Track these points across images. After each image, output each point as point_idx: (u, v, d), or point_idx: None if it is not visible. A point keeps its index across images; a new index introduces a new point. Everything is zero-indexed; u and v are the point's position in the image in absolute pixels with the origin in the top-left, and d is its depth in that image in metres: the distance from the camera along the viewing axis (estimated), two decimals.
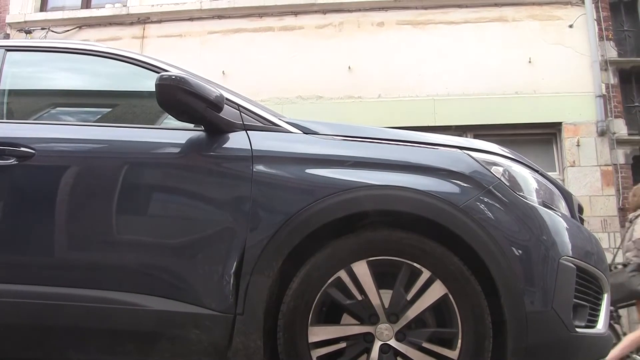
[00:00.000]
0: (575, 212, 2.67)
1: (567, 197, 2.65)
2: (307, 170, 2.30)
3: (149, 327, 2.20)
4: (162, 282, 2.23)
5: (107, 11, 9.79)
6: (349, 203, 2.22)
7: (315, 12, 9.44)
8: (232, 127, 2.39)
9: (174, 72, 2.39)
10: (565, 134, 8.64)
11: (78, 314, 2.21)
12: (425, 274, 2.19)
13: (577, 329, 2.27)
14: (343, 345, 2.19)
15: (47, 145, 2.43)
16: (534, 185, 2.42)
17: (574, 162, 8.48)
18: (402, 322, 2.18)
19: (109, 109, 2.96)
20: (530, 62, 8.87)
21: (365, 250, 2.22)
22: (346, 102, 8.91)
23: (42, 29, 9.75)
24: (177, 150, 2.39)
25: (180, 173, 2.35)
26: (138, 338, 2.23)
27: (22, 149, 2.35)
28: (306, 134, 2.44)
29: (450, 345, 2.17)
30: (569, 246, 2.33)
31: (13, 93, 2.78)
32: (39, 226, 2.31)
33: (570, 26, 8.99)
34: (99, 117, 2.92)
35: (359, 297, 2.19)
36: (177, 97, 2.24)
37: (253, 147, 2.32)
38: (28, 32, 9.70)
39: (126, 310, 2.19)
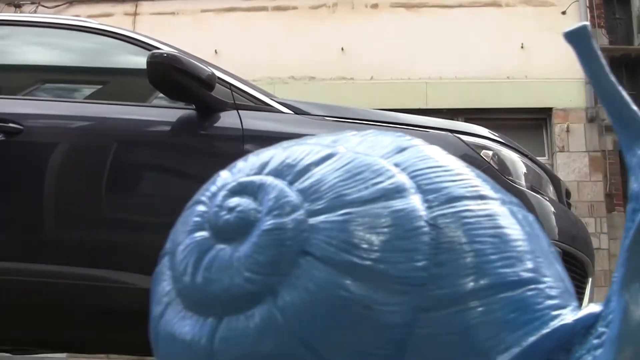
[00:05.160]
0: (563, 196, 2.69)
1: (556, 181, 2.67)
2: None
3: (138, 305, 2.20)
4: (152, 260, 2.23)
5: None
6: None
7: None
8: (224, 106, 2.38)
9: (165, 50, 2.38)
10: (555, 119, 8.67)
11: (65, 292, 2.20)
12: None
13: None
14: None
15: (36, 121, 2.42)
16: (522, 169, 2.43)
17: (563, 147, 8.52)
18: None
19: (100, 86, 2.94)
20: (522, 47, 8.88)
21: None
22: (338, 84, 8.90)
23: (32, 3, 9.64)
24: (167, 128, 2.39)
25: (170, 151, 2.35)
26: (127, 316, 2.23)
27: (10, 124, 2.33)
28: (297, 114, 2.43)
29: None
30: (556, 230, 2.35)
31: (1, 68, 2.76)
32: (26, 203, 2.31)
33: (563, 13, 8.98)
34: (89, 93, 2.91)
35: None
36: (169, 75, 2.21)
37: (244, 127, 2.31)
38: (17, 6, 9.59)
39: (115, 288, 2.18)
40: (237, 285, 1.00)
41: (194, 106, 2.37)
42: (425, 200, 1.01)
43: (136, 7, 9.55)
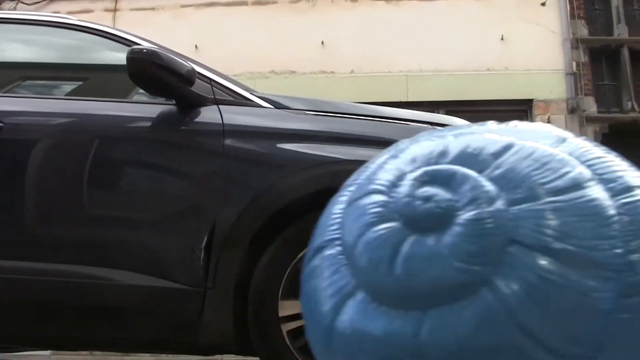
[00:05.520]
0: None
1: None
2: (278, 145, 2.31)
3: (119, 301, 2.20)
4: (133, 256, 2.23)
5: None
6: (319, 178, 2.24)
7: None
8: (204, 102, 2.38)
9: (145, 45, 2.38)
10: (536, 110, 8.73)
11: (45, 289, 2.19)
12: None
13: None
14: None
15: (16, 118, 2.41)
16: None
17: None
18: None
19: (80, 82, 2.93)
20: (502, 39, 8.91)
21: None
22: (319, 77, 8.90)
23: (12, 0, 9.55)
24: (148, 124, 2.38)
25: (151, 147, 2.35)
26: (108, 313, 2.23)
27: None
28: (278, 108, 2.44)
29: None
30: None
31: None
32: (7, 200, 2.30)
33: (543, 4, 9.03)
34: (69, 90, 2.90)
35: None
36: (149, 70, 2.22)
37: (224, 122, 2.32)
38: None
39: (96, 284, 2.18)
40: (447, 277, 1.00)
41: (174, 101, 2.37)
42: (607, 189, 1.04)
43: (116, 3, 9.49)
